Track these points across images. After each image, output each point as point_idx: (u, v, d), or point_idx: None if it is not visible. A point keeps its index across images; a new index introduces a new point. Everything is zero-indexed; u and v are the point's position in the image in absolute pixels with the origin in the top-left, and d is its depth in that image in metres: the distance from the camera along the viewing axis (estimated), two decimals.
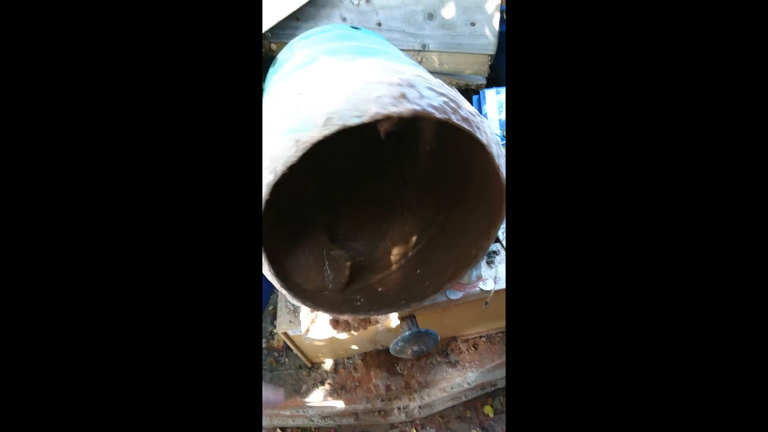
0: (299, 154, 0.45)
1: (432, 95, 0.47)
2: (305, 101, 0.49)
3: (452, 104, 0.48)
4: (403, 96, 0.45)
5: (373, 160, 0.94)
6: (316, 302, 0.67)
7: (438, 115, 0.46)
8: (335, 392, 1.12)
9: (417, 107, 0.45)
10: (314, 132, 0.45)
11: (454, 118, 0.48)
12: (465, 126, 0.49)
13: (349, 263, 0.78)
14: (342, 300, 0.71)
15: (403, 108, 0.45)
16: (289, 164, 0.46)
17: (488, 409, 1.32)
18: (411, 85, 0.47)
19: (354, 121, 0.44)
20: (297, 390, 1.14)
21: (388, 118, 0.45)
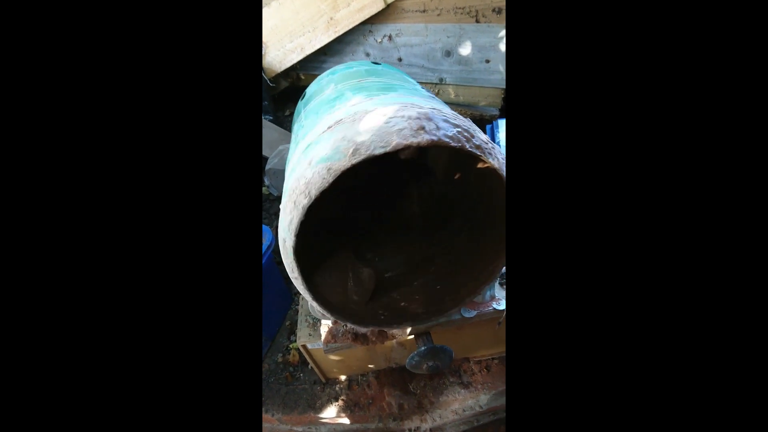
0: (331, 179, 0.52)
1: (447, 126, 0.54)
2: (335, 134, 0.56)
3: (466, 134, 0.55)
4: (422, 128, 0.52)
5: (396, 185, 1.01)
6: (344, 316, 0.72)
7: (453, 143, 0.53)
8: (348, 409, 1.14)
9: (434, 137, 0.52)
10: (344, 161, 0.52)
11: (468, 146, 0.54)
12: (477, 152, 0.55)
13: (372, 279, 0.83)
14: (366, 314, 0.76)
15: (422, 138, 0.52)
16: (321, 189, 0.53)
17: None
18: (429, 119, 0.54)
19: (379, 152, 0.51)
20: (311, 405, 1.16)
21: (407, 148, 0.52)
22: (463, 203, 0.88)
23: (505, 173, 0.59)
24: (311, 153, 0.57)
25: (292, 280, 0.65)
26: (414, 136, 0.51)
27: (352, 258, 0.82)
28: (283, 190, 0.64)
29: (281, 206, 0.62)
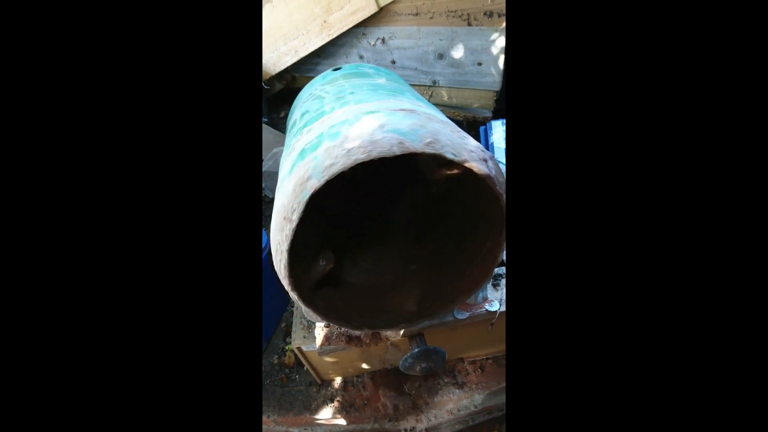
0: (398, 152, 0.53)
1: (500, 173, 0.61)
2: (411, 119, 0.58)
3: (505, 186, 0.62)
4: (485, 160, 0.59)
5: (385, 190, 1.02)
6: (335, 317, 0.72)
7: (498, 188, 0.59)
8: (344, 410, 1.15)
9: (491, 174, 0.58)
10: (418, 145, 0.54)
11: (503, 199, 0.61)
12: (502, 202, 0.61)
13: (329, 263, 0.79)
14: (311, 302, 0.73)
15: (482, 168, 0.57)
16: (383, 156, 0.53)
17: None
18: (491, 156, 0.62)
19: (449, 156, 0.54)
20: (307, 407, 1.16)
21: (467, 168, 0.56)
22: (455, 207, 0.89)
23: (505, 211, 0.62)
24: (375, 120, 0.58)
25: (282, 223, 0.59)
26: (478, 163, 0.57)
27: (325, 251, 0.81)
28: (325, 137, 0.60)
29: (320, 151, 0.58)
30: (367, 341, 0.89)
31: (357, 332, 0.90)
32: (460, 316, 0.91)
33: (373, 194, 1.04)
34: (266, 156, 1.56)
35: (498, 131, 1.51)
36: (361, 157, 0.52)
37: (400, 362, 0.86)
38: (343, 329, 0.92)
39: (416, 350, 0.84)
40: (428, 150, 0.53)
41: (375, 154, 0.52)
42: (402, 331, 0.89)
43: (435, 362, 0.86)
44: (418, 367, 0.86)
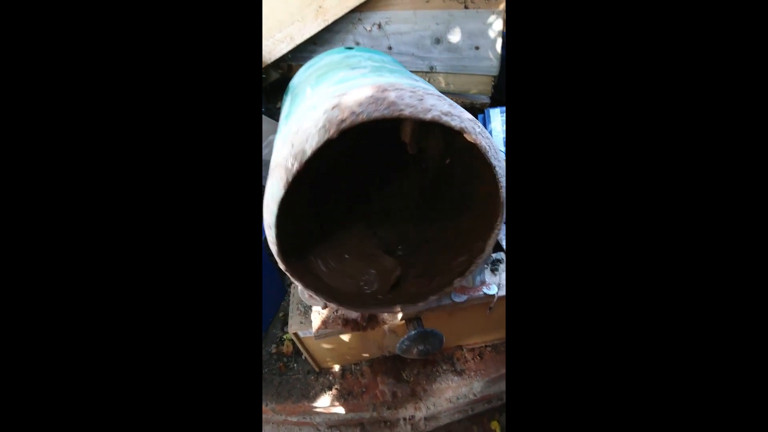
0: (409, 117, 0.53)
1: (494, 147, 0.61)
2: (432, 98, 0.58)
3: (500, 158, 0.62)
4: (479, 131, 0.59)
5: (384, 168, 1.01)
6: (337, 300, 0.72)
7: (488, 152, 0.61)
8: (342, 398, 1.13)
9: (485, 144, 0.59)
10: (412, 110, 0.54)
11: (495, 162, 0.61)
12: (495, 165, 0.61)
13: (397, 273, 0.81)
14: (363, 298, 0.74)
15: (481, 140, 0.59)
16: (399, 115, 0.52)
17: (495, 425, 1.30)
18: (483, 132, 0.62)
19: (445, 121, 0.55)
20: (305, 395, 1.15)
21: (463, 136, 0.58)
22: (453, 185, 0.88)
23: (498, 171, 0.62)
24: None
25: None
26: (480, 135, 0.58)
27: (374, 248, 0.82)
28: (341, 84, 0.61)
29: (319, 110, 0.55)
30: (364, 324, 0.88)
31: (354, 315, 0.89)
32: (457, 299, 0.90)
33: (367, 177, 1.02)
34: (263, 145, 1.54)
35: (497, 119, 1.49)
36: (374, 112, 0.51)
37: (397, 345, 0.85)
38: (339, 312, 0.91)
39: (413, 332, 0.82)
40: (423, 116, 0.52)
41: (378, 114, 0.51)
42: (400, 316, 0.88)
43: (432, 345, 0.85)
44: (416, 349, 0.85)
